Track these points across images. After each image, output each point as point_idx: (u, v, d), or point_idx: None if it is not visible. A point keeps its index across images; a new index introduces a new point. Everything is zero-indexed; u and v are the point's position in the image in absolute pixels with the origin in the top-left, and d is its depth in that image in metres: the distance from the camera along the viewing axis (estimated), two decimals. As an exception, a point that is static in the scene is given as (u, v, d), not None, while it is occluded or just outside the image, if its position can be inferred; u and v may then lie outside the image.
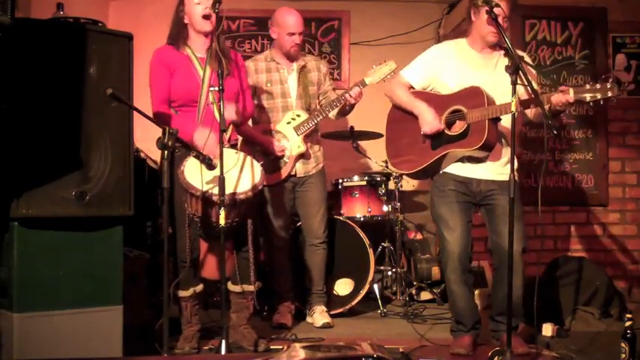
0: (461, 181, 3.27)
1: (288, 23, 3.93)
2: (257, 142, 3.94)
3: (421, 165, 3.33)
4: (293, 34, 3.93)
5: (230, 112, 3.17)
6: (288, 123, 3.97)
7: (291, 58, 4.03)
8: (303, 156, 3.99)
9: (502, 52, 3.02)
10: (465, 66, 3.27)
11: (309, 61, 4.11)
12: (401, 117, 3.43)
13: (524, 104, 3.08)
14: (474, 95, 3.14)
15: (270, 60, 4.04)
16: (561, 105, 2.96)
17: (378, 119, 4.72)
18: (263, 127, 4.01)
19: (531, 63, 3.38)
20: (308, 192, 4.03)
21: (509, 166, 3.18)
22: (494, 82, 3.18)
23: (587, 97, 2.88)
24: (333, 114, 4.02)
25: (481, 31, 3.24)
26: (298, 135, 3.95)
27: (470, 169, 3.27)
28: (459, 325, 3.33)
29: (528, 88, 2.92)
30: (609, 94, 2.85)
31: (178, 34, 3.29)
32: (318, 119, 3.96)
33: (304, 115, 3.97)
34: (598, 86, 2.87)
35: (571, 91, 2.92)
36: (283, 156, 3.95)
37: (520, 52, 3.31)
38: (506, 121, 3.15)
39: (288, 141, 3.96)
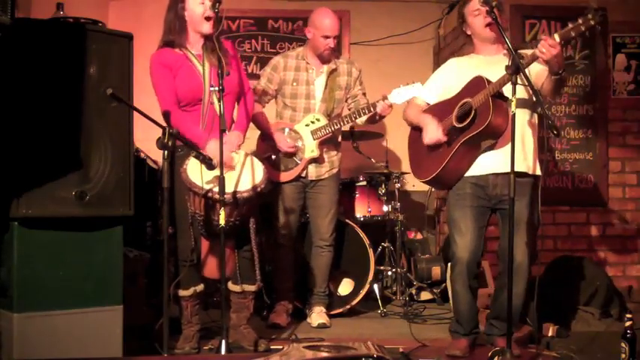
0: (477, 182, 3.21)
1: (324, 25, 3.89)
2: (268, 136, 3.95)
3: (442, 164, 3.25)
4: (328, 37, 3.90)
5: (232, 142, 3.18)
6: (307, 125, 3.95)
7: (323, 60, 4.00)
8: (315, 160, 3.98)
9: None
10: (472, 72, 3.21)
11: (341, 65, 4.06)
12: (418, 136, 3.40)
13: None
14: (476, 84, 3.13)
15: (300, 58, 4.00)
16: (550, 54, 2.88)
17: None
18: (282, 124, 4.00)
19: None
20: (319, 194, 4.02)
21: (526, 155, 3.16)
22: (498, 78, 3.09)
23: (572, 33, 2.85)
24: (360, 120, 3.99)
25: (476, 30, 3.24)
26: (314, 139, 3.93)
27: (484, 164, 3.20)
28: (457, 326, 3.32)
29: (529, 88, 2.91)
30: (592, 22, 2.82)
31: (179, 31, 3.23)
32: (336, 127, 3.93)
33: (323, 121, 3.94)
34: (580, 20, 2.84)
35: (555, 35, 2.88)
36: (294, 154, 3.94)
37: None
38: (518, 115, 2.98)
39: (304, 143, 3.95)
